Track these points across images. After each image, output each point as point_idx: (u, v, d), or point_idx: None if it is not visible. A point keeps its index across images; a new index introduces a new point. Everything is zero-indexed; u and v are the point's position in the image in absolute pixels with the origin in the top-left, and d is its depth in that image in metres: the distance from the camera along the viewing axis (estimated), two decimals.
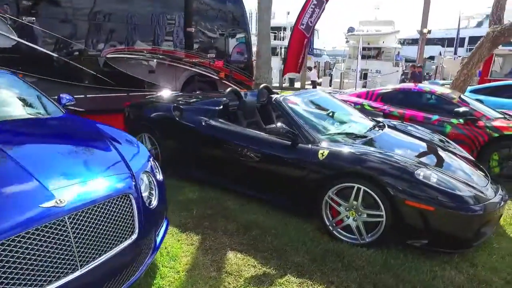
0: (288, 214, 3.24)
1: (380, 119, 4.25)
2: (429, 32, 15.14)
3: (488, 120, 4.60)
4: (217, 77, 9.58)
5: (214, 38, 9.55)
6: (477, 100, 7.43)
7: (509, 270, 2.53)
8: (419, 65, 14.10)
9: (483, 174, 3.10)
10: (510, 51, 11.87)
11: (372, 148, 3.00)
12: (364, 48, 22.81)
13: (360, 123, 3.75)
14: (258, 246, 2.75)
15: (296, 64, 13.22)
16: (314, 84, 19.78)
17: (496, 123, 4.48)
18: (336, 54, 36.60)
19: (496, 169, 4.46)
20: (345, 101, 5.61)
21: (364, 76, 21.81)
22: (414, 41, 31.72)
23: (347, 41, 24.33)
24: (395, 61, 22.33)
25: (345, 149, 2.90)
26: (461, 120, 4.66)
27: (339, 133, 3.29)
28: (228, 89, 4.34)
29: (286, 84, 21.44)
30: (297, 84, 20.63)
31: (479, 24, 26.26)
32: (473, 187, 2.71)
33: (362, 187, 2.69)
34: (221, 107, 3.96)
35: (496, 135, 4.39)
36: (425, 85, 5.60)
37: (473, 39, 21.92)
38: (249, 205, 3.44)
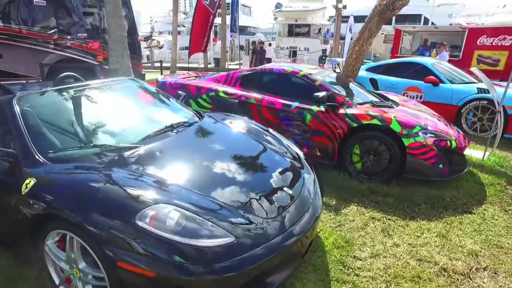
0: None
1: (191, 112, 3.28)
2: (345, 7, 14.63)
3: (349, 107, 3.87)
4: (95, 62, 8.14)
5: (84, 13, 8.03)
6: (372, 79, 6.92)
7: None
8: (260, 41, 13.73)
9: (291, 189, 2.25)
10: (413, 28, 11.68)
11: (120, 171, 1.98)
12: (295, 25, 22.15)
13: (157, 122, 2.75)
14: None
15: (201, 43, 12.08)
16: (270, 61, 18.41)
17: (356, 111, 3.77)
18: (272, 32, 35.69)
19: (358, 165, 3.78)
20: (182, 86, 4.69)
21: (293, 53, 21.21)
22: (356, 19, 31.82)
23: (275, 18, 23.42)
24: (324, 39, 21.93)
25: (59, 178, 1.89)
26: (322, 108, 3.90)
27: (85, 147, 2.24)
28: None
29: (212, 65, 20.18)
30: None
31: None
32: (248, 222, 1.85)
33: (75, 237, 1.73)
34: None
35: (355, 125, 3.68)
36: (287, 65, 4.79)
37: (399, 17, 22.09)
38: None
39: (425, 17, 23.54)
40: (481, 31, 9.22)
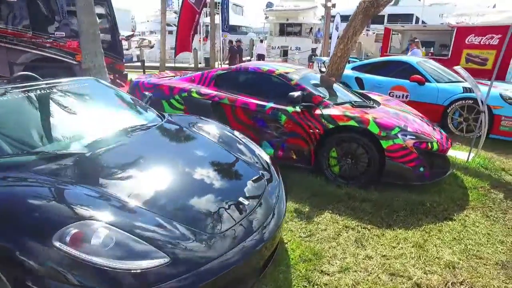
0: None
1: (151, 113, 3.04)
2: (334, 6, 14.45)
3: (326, 107, 3.67)
4: (74, 61, 7.86)
5: (62, 11, 7.73)
6: (357, 78, 6.74)
7: None
8: (237, 39, 13.60)
9: (250, 199, 2.04)
10: (402, 26, 11.56)
11: (49, 183, 1.72)
12: (286, 25, 21.94)
13: (111, 125, 2.51)
14: None
15: (188, 43, 11.85)
16: (263, 58, 18.12)
17: (333, 111, 3.57)
18: (263, 32, 35.51)
19: (336, 169, 3.58)
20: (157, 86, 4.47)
21: (285, 53, 21.02)
22: (343, 18, 31.67)
23: (266, 17, 23.19)
24: (315, 38, 21.77)
25: None
26: (298, 108, 3.70)
27: (20, 155, 1.99)
28: None
29: (202, 65, 19.91)
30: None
31: (396, 2, 26.71)
32: (194, 238, 1.63)
33: None
34: None
35: (331, 126, 3.48)
36: (264, 64, 4.57)
37: (391, 17, 21.99)
38: None
39: (416, 17, 23.48)
40: (470, 30, 9.09)
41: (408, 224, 2.88)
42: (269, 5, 23.01)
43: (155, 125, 2.64)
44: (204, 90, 4.23)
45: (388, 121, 3.38)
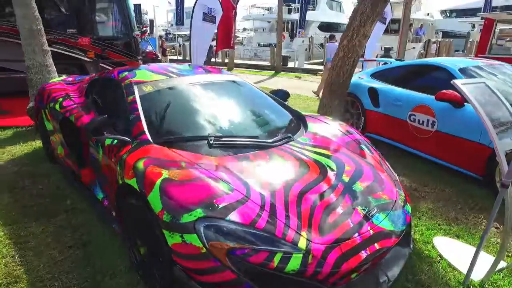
0: None
1: None
2: None
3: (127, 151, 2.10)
4: (86, 58, 7.70)
5: (73, 8, 7.61)
6: (371, 89, 4.61)
7: None
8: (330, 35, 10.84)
9: None
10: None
11: None
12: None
13: None
14: None
15: (229, 39, 10.92)
16: None
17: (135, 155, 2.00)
18: None
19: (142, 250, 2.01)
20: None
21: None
22: (460, 13, 25.98)
23: None
24: (415, 36, 18.17)
25: None
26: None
27: None
28: None
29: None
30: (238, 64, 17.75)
31: None
32: None
33: None
34: None
35: (121, 182, 1.93)
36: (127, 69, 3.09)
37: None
38: None
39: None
40: None
41: None
42: None
43: None
44: (72, 100, 3.10)
45: (190, 190, 1.67)
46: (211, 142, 2.09)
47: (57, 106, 3.15)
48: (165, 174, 1.72)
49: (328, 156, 2.18)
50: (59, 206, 2.82)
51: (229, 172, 1.84)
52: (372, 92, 4.56)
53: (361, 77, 4.96)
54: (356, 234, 1.65)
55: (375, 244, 1.65)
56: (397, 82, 4.40)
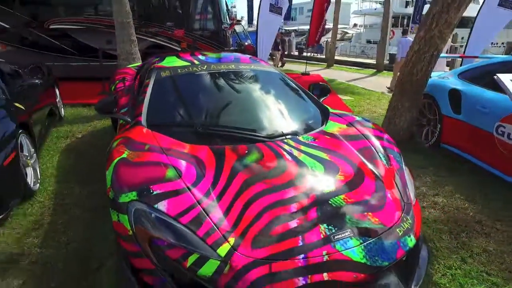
0: None
1: None
2: None
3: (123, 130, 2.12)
4: (179, 48, 8.37)
5: (170, 3, 8.27)
6: (453, 91, 3.81)
7: None
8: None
9: None
10: None
11: None
12: None
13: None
14: None
15: (315, 34, 10.45)
16: None
17: None
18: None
19: None
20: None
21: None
22: None
23: None
24: None
25: None
26: None
27: None
28: None
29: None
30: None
31: None
32: None
33: None
34: None
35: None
36: None
37: None
38: None
39: None
40: None
41: None
42: None
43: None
44: (126, 82, 3.43)
45: (135, 173, 1.61)
46: (198, 129, 2.01)
47: (113, 88, 3.52)
48: (125, 154, 1.72)
49: (322, 160, 1.85)
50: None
51: (192, 161, 1.72)
52: (454, 94, 3.75)
53: (447, 77, 4.12)
54: (301, 256, 1.34)
55: (324, 274, 1.30)
56: (491, 83, 3.49)
